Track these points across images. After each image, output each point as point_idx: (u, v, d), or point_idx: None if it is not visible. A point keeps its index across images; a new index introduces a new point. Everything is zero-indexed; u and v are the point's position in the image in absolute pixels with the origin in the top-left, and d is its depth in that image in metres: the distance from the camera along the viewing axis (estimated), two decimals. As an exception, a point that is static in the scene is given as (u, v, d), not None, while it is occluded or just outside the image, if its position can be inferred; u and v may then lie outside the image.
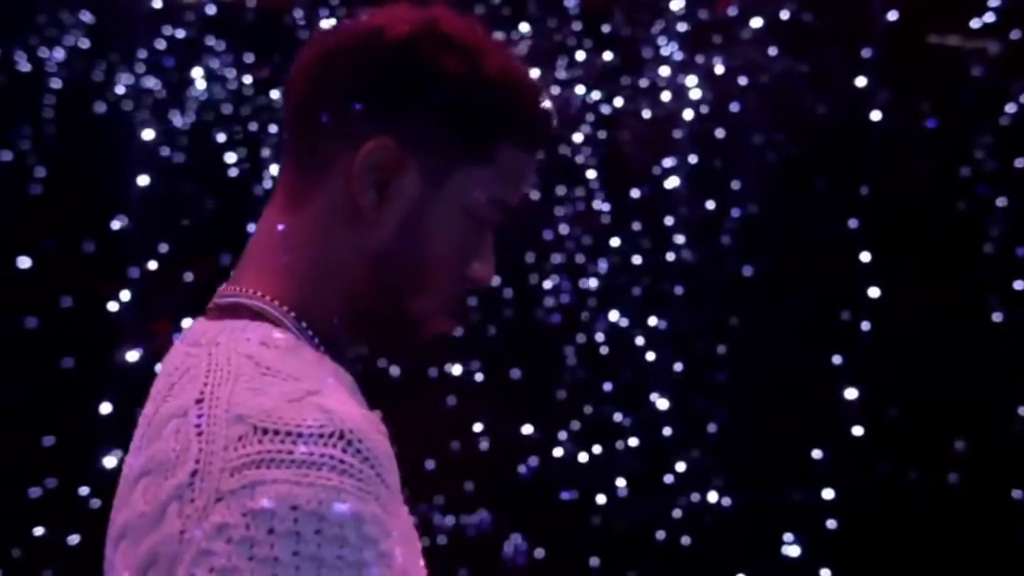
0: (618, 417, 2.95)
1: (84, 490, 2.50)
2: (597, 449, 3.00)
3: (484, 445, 3.34)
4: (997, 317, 2.73)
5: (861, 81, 2.59)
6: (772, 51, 2.81)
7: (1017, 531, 2.64)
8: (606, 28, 2.87)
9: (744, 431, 2.84)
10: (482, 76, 0.87)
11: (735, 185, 2.90)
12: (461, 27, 0.89)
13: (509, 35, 2.91)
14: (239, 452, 0.71)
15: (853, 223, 2.65)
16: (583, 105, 2.90)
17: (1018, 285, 2.74)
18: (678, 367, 2.92)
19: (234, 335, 0.83)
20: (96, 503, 2.47)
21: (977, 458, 2.81)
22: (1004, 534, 2.68)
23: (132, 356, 2.45)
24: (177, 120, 2.97)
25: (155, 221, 2.76)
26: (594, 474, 3.04)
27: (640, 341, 2.91)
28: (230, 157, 3.00)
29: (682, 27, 2.80)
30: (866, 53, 2.60)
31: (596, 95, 2.94)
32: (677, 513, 2.83)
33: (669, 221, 2.85)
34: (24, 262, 2.73)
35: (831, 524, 2.60)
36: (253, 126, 3.04)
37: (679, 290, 2.96)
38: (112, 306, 2.65)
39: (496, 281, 0.98)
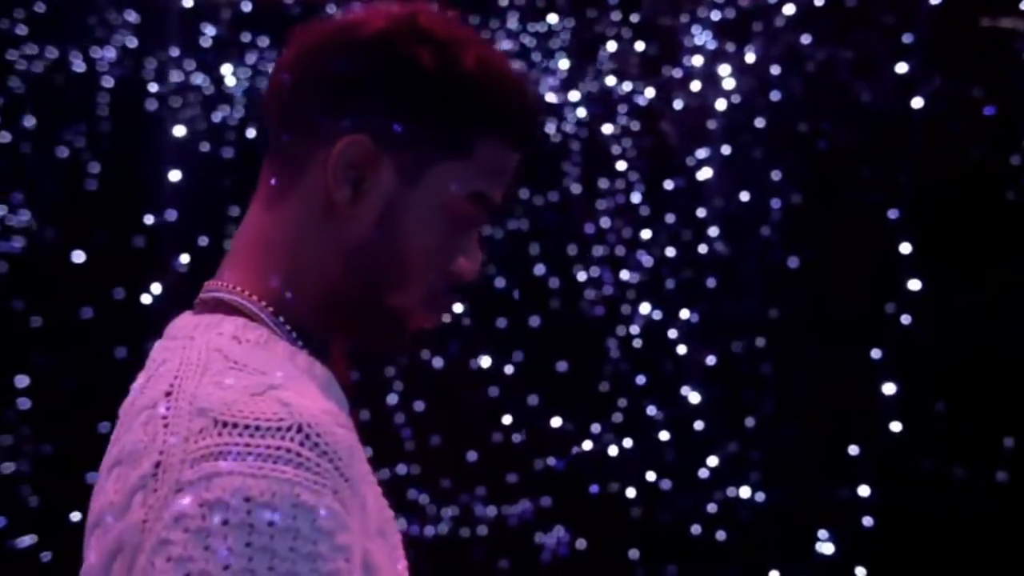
0: (654, 410, 2.92)
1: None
2: (637, 441, 2.98)
3: (525, 436, 3.35)
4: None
5: (903, 67, 2.51)
6: (813, 38, 2.74)
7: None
8: (642, 17, 2.84)
9: (780, 425, 2.79)
10: (459, 71, 0.87)
11: (775, 176, 2.84)
12: (440, 22, 0.89)
13: (548, 27, 2.90)
14: (199, 444, 0.73)
15: (893, 214, 2.57)
16: (621, 96, 2.88)
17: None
18: (717, 360, 2.89)
19: (208, 329, 0.85)
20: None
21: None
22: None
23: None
24: (224, 115, 3.04)
25: (203, 214, 2.84)
26: (632, 467, 3.02)
27: (678, 334, 2.88)
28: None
29: (720, 15, 2.76)
30: (908, 38, 2.52)
31: (633, 86, 2.92)
32: (712, 508, 2.79)
33: (706, 212, 2.81)
34: (79, 256, 2.83)
35: (867, 522, 2.53)
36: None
37: (717, 282, 2.92)
38: (161, 297, 2.73)
39: (480, 274, 0.98)
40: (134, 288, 2.76)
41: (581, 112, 2.89)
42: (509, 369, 3.32)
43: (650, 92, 2.84)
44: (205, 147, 2.89)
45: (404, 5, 0.90)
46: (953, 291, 2.63)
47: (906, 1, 2.55)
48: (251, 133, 2.97)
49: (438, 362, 3.42)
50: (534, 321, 3.27)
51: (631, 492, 3.01)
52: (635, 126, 2.91)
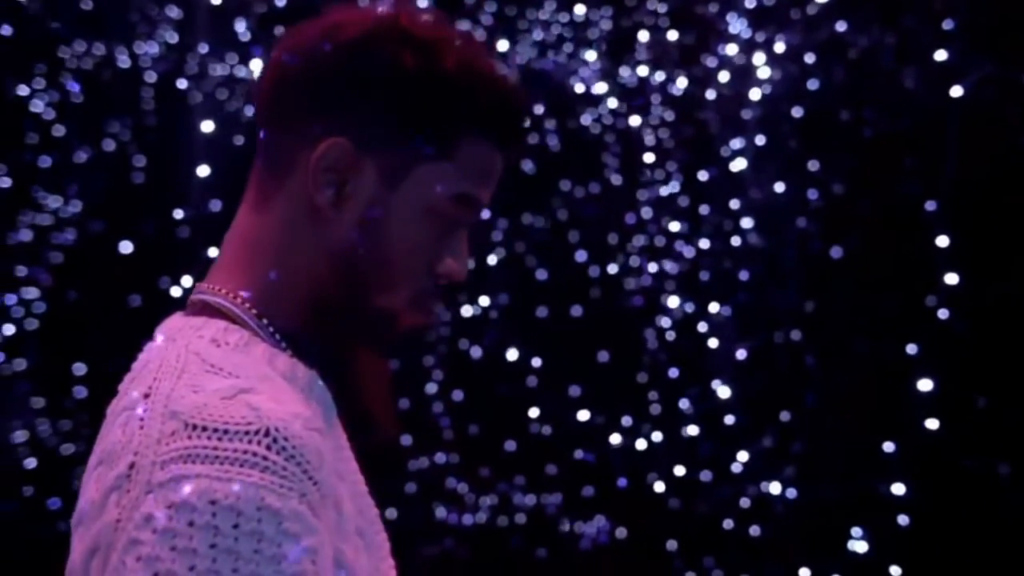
0: (688, 404, 2.90)
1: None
2: (672, 434, 2.97)
3: (562, 427, 3.36)
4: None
5: (943, 55, 2.43)
6: (850, 24, 2.67)
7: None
8: (678, 5, 2.80)
9: (814, 421, 2.74)
10: (440, 72, 0.87)
11: (812, 166, 2.78)
12: (422, 22, 0.89)
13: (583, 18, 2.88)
14: (169, 447, 0.75)
15: (931, 205, 2.50)
16: (657, 86, 2.85)
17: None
18: (751, 353, 2.85)
19: (190, 332, 0.86)
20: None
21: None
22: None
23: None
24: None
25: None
26: (666, 460, 3.00)
27: (712, 327, 2.85)
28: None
29: (756, 2, 2.70)
30: (949, 24, 2.44)
31: (669, 75, 2.88)
32: (745, 502, 2.76)
33: (743, 203, 2.77)
34: (126, 247, 2.91)
35: (903, 521, 2.48)
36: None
37: (753, 275, 2.87)
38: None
39: (467, 272, 0.98)
40: (178, 279, 2.83)
41: (613, 103, 2.87)
42: (547, 359, 3.32)
43: (687, 81, 2.80)
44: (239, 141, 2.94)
45: (385, 5, 0.90)
46: (992, 285, 2.54)
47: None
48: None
49: (476, 352, 3.44)
50: (571, 313, 3.27)
51: (666, 485, 3.00)
52: (672, 116, 2.87)
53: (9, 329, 2.66)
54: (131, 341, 0.92)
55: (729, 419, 2.80)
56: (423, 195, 0.88)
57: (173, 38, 2.93)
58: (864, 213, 2.80)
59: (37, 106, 2.92)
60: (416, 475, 3.58)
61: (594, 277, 3.13)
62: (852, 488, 2.61)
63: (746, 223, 2.79)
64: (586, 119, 3.01)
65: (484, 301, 3.36)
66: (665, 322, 2.97)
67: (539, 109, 2.99)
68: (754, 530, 2.76)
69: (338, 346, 1.02)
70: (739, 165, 2.72)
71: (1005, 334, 2.54)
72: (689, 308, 2.90)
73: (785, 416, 2.79)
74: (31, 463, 2.56)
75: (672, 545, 2.97)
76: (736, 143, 2.78)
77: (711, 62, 2.75)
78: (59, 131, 2.92)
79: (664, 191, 2.95)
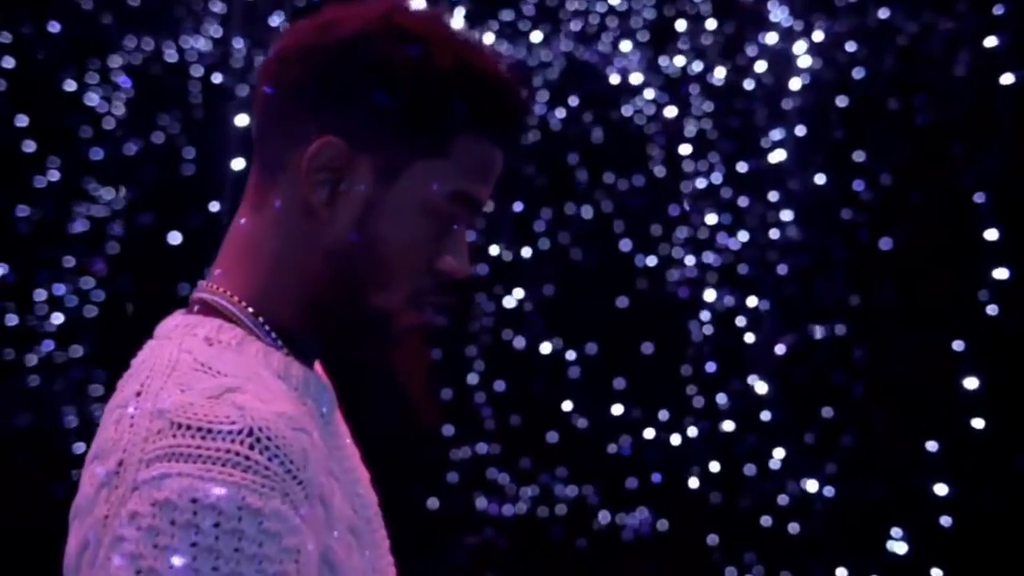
0: (729, 399, 2.86)
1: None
2: (713, 428, 2.93)
3: (604, 419, 3.34)
4: None
5: (993, 41, 2.34)
6: (900, 11, 2.59)
7: None
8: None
9: (855, 417, 2.68)
10: (433, 69, 0.86)
11: (858, 156, 2.71)
12: (415, 18, 0.88)
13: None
14: (155, 445, 0.76)
15: (980, 198, 2.42)
16: (697, 76, 2.80)
17: None
18: (793, 348, 2.80)
19: (185, 331, 0.87)
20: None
21: None
22: None
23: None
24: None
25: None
26: (707, 454, 2.97)
27: (753, 321, 2.81)
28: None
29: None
30: (1000, 9, 2.35)
31: (712, 65, 2.83)
32: (783, 499, 2.72)
33: (785, 195, 2.71)
34: (175, 237, 2.98)
35: (945, 522, 2.41)
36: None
37: (796, 267, 2.82)
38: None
39: (471, 271, 0.97)
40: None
41: (653, 93, 2.83)
42: (589, 351, 3.31)
43: (728, 71, 2.75)
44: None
45: (382, 2, 0.89)
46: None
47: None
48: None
49: (519, 343, 3.44)
50: (613, 305, 3.25)
51: (705, 480, 2.97)
52: (713, 106, 2.83)
53: (58, 318, 2.73)
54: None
55: (768, 415, 2.75)
56: (419, 193, 0.88)
57: (217, 32, 2.98)
58: (912, 204, 2.73)
59: (92, 99, 3.00)
60: (458, 465, 3.61)
61: (637, 269, 3.11)
62: (893, 487, 2.54)
63: (790, 215, 2.73)
64: (627, 110, 2.98)
65: (523, 292, 3.36)
66: (707, 315, 2.93)
67: (576, 100, 2.97)
68: (793, 527, 2.71)
69: (336, 345, 1.02)
70: (782, 156, 2.66)
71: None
72: (732, 301, 2.86)
73: (827, 412, 2.73)
74: (80, 448, 2.64)
75: (713, 539, 2.94)
76: (779, 134, 2.72)
77: (753, 51, 2.69)
78: (111, 124, 2.99)
79: (706, 183, 2.91)
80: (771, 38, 2.63)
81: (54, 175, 2.89)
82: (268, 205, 0.91)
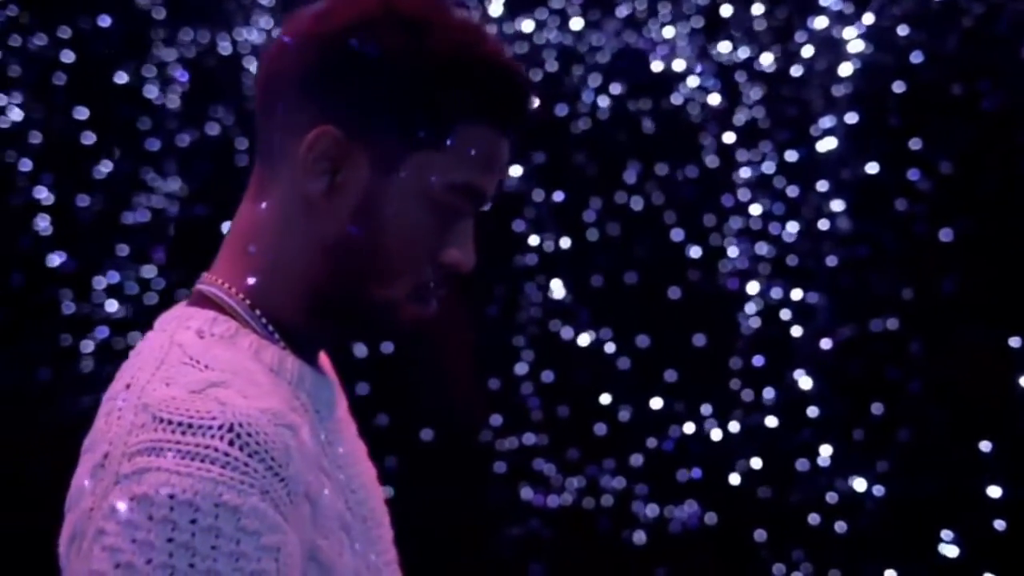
0: (773, 393, 2.80)
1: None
2: (769, 422, 2.88)
3: (653, 411, 3.31)
4: None
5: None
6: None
7: None
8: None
9: (906, 415, 2.59)
10: (430, 56, 0.85)
11: (915, 145, 2.62)
12: (415, 5, 0.87)
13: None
14: (138, 439, 0.76)
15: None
16: (743, 63, 2.73)
17: None
18: (847, 342, 2.72)
19: (179, 322, 0.88)
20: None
21: None
22: None
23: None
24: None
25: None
26: (758, 448, 2.92)
27: (801, 315, 2.74)
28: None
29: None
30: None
31: (762, 51, 2.76)
32: (832, 497, 2.65)
33: (837, 184, 2.63)
34: (227, 226, 3.03)
35: (998, 525, 2.32)
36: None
37: (850, 259, 2.74)
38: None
39: (472, 264, 0.95)
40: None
41: (695, 81, 2.77)
42: (638, 342, 3.28)
43: (779, 57, 2.68)
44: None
45: None
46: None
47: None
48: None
49: (567, 333, 3.42)
50: (662, 296, 3.21)
51: (754, 475, 2.91)
52: (761, 93, 2.76)
53: (112, 305, 2.81)
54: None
55: (817, 410, 2.69)
56: (419, 184, 0.86)
57: (268, 24, 3.02)
58: (973, 194, 2.62)
59: (150, 92, 3.07)
60: (504, 455, 3.61)
61: (688, 260, 3.06)
62: (945, 488, 2.45)
63: (841, 205, 2.65)
64: (677, 97, 2.92)
65: (572, 283, 3.34)
66: (757, 307, 2.87)
67: (624, 88, 2.93)
68: (840, 526, 2.64)
69: (338, 338, 1.01)
70: (837, 145, 2.58)
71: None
72: (783, 294, 2.79)
73: (877, 408, 2.65)
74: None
75: (760, 535, 2.89)
76: (829, 121, 2.63)
77: (803, 36, 2.61)
78: (167, 116, 3.06)
79: (754, 172, 2.84)
80: (820, 22, 2.54)
81: (113, 166, 2.97)
82: (267, 197, 0.91)
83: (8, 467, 2.77)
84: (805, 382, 2.63)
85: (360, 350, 3.23)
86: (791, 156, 2.67)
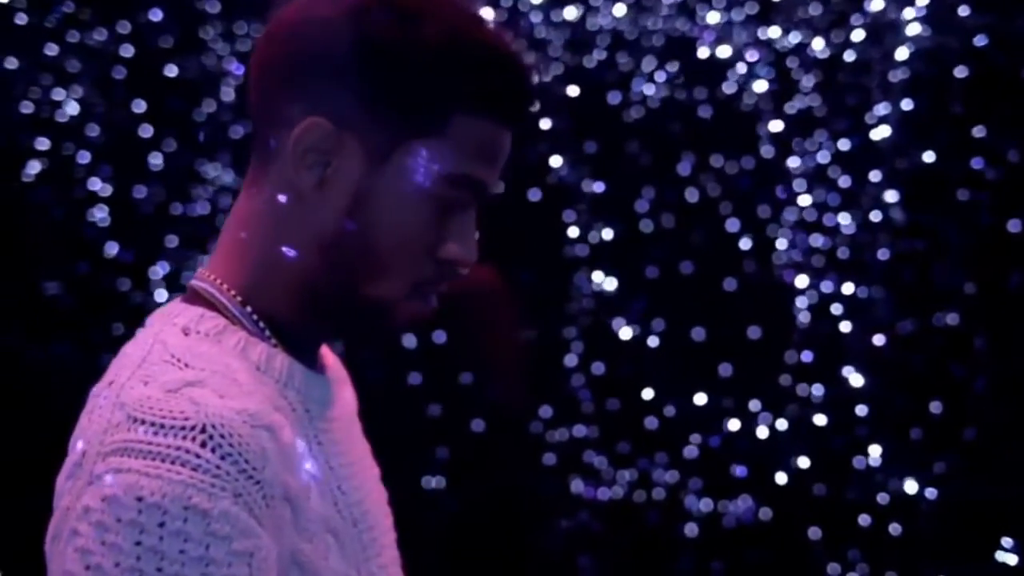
0: (824, 389, 2.72)
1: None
2: (824, 418, 2.80)
3: (705, 404, 3.25)
4: None
5: None
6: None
7: None
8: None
9: (963, 415, 2.49)
10: (422, 42, 0.82)
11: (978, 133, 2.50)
12: None
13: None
14: (112, 438, 0.75)
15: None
16: (796, 49, 2.65)
17: None
18: (902, 337, 2.63)
19: (166, 319, 0.87)
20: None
21: None
22: None
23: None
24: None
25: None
26: (810, 445, 2.85)
27: (852, 309, 2.66)
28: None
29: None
30: None
31: (820, 37, 2.67)
32: (883, 498, 2.57)
33: (888, 174, 2.54)
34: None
35: (1062, 532, 2.21)
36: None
37: (908, 252, 2.64)
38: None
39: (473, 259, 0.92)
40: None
41: (746, 68, 2.70)
42: (690, 334, 3.22)
43: (833, 42, 2.59)
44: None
45: None
46: None
47: None
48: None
49: (618, 324, 3.38)
50: (715, 288, 3.15)
51: (807, 472, 2.84)
52: (815, 80, 2.67)
53: (162, 295, 2.87)
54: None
55: (868, 409, 2.60)
56: (414, 175, 0.84)
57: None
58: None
59: (204, 85, 3.12)
60: (554, 447, 3.59)
61: (742, 251, 2.99)
62: (1003, 493, 2.35)
63: (898, 196, 2.55)
64: (729, 85, 2.85)
65: (622, 274, 3.30)
66: (811, 301, 2.79)
67: (662, 76, 2.87)
68: (894, 528, 2.56)
69: (334, 336, 0.99)
70: (894, 133, 2.48)
71: None
72: (836, 288, 2.71)
73: (936, 407, 2.55)
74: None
75: (815, 533, 2.82)
76: (887, 108, 2.53)
77: (859, 20, 2.51)
78: (210, 106, 3.10)
79: (812, 162, 2.76)
80: (876, 4, 2.44)
81: (168, 158, 3.03)
82: (260, 191, 0.88)
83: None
84: (856, 379, 2.55)
85: (409, 340, 3.24)
86: (845, 145, 2.58)
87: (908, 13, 2.39)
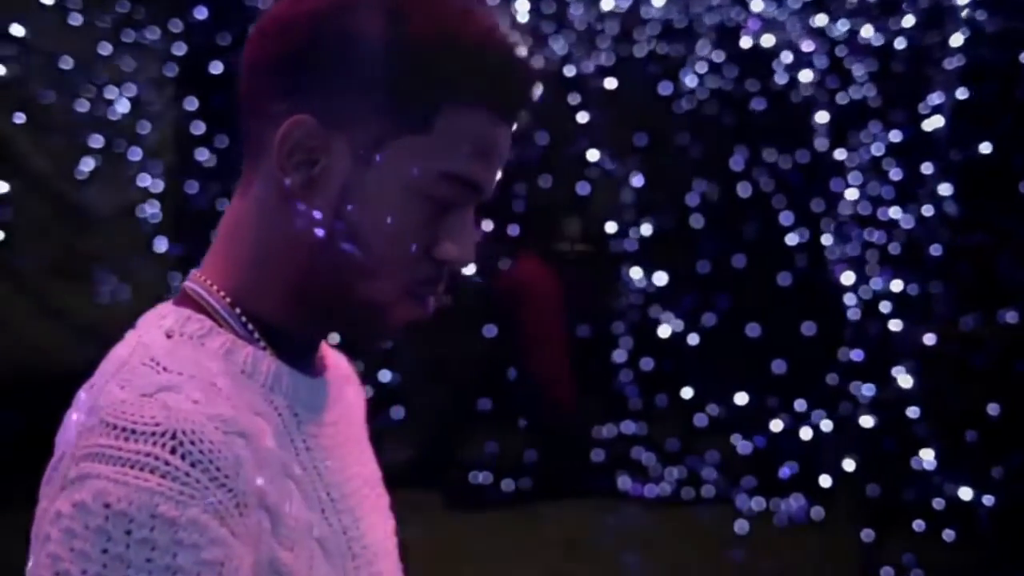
0: (873, 389, 2.64)
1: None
2: (880, 418, 2.72)
3: (755, 402, 3.19)
4: None
5: None
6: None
7: None
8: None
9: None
10: (408, 36, 0.79)
11: None
12: None
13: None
14: (86, 443, 0.74)
15: None
16: (847, 38, 2.56)
17: None
18: (962, 336, 2.54)
19: (153, 321, 0.85)
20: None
21: None
22: None
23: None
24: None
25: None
26: (863, 445, 2.77)
27: (903, 308, 2.57)
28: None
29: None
30: None
31: (872, 27, 2.58)
32: (939, 503, 2.49)
33: (944, 167, 2.44)
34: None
35: None
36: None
37: (964, 247, 2.54)
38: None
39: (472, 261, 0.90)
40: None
41: (798, 59, 2.62)
42: (740, 332, 3.16)
43: (885, 31, 2.49)
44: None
45: None
46: None
47: None
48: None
49: (667, 321, 3.34)
50: (767, 285, 3.08)
51: (859, 474, 2.77)
52: (867, 70, 2.58)
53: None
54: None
55: (917, 410, 2.52)
56: (402, 174, 0.81)
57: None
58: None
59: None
60: (603, 443, 3.56)
61: (791, 247, 2.92)
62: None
63: (949, 188, 2.45)
64: (780, 76, 2.78)
65: (672, 271, 3.25)
66: (863, 299, 2.71)
67: (703, 68, 2.81)
68: (948, 534, 2.48)
69: (326, 338, 0.98)
70: (940, 123, 2.38)
71: None
72: (892, 286, 2.62)
73: (993, 409, 2.46)
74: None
75: (868, 535, 2.75)
76: (938, 98, 2.43)
77: (910, 6, 2.41)
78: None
79: (868, 154, 2.67)
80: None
81: (219, 155, 3.07)
82: (250, 192, 0.86)
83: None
84: (905, 380, 2.47)
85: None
86: (896, 136, 2.48)
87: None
